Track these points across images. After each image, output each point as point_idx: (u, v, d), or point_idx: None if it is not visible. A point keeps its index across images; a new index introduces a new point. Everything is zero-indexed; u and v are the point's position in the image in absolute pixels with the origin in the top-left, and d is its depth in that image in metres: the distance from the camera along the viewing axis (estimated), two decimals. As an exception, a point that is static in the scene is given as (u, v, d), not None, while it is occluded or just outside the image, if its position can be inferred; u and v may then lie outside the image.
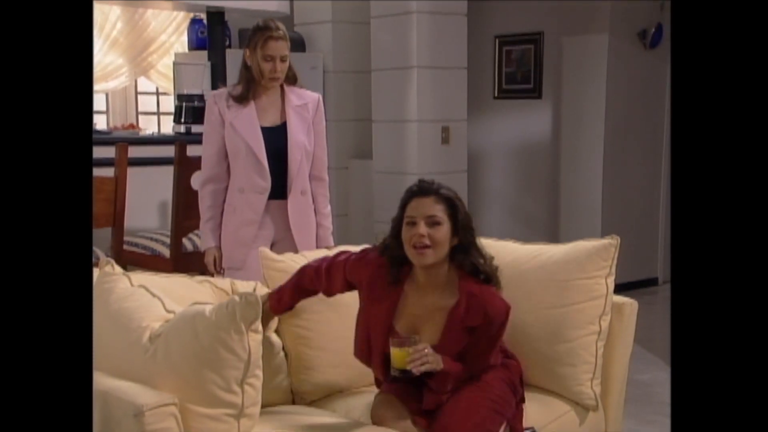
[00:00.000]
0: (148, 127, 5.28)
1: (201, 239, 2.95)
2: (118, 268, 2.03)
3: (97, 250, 3.18)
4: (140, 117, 5.23)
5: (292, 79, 2.92)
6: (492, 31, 5.79)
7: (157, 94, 5.31)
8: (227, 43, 4.68)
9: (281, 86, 2.90)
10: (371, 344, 2.12)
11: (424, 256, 2.02)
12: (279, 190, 2.85)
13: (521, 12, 5.67)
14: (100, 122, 5.11)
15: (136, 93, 5.21)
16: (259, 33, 2.82)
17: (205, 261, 2.92)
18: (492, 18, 5.77)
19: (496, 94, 5.88)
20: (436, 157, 4.66)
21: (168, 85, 5.06)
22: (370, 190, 4.98)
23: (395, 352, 1.97)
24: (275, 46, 2.78)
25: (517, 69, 5.77)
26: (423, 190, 2.08)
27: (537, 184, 5.76)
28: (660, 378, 3.82)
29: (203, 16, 4.47)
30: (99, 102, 5.09)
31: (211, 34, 4.29)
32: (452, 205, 2.06)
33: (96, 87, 4.88)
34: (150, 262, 3.36)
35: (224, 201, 2.89)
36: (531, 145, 5.75)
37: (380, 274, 2.13)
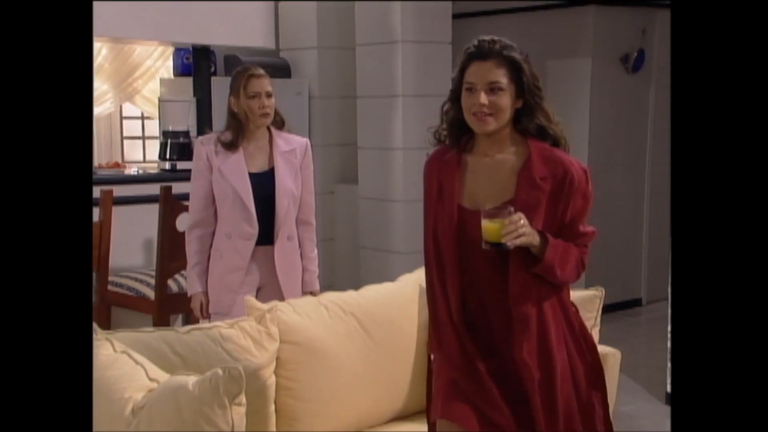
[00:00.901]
0: (133, 152, 5.23)
1: (188, 284, 2.92)
2: (100, 333, 2.00)
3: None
4: (125, 142, 5.18)
5: (279, 123, 2.91)
6: (476, 54, 5.77)
7: (143, 118, 5.26)
8: (212, 69, 4.65)
9: (269, 131, 2.88)
10: (440, 241, 1.91)
11: (485, 124, 1.87)
12: (266, 235, 2.83)
13: (505, 35, 5.61)
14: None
15: (121, 118, 5.16)
16: (240, 76, 2.83)
17: (192, 306, 2.89)
18: (476, 41, 5.76)
19: (480, 116, 5.87)
20: (422, 184, 4.64)
21: (153, 110, 5.01)
22: (356, 215, 4.95)
23: (487, 225, 1.81)
24: (258, 83, 2.79)
25: (502, 91, 5.76)
26: (482, 52, 1.88)
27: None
28: (644, 409, 3.77)
29: (189, 43, 4.43)
30: (84, 128, 5.03)
31: (196, 70, 4.25)
32: (516, 67, 1.87)
33: (81, 113, 4.82)
34: (135, 304, 3.32)
35: (211, 246, 2.87)
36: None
37: (439, 156, 1.97)
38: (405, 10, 4.52)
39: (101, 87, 4.89)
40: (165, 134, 4.05)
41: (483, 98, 1.84)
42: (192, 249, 2.85)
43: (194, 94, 4.22)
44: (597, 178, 6.16)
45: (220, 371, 1.69)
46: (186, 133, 4.01)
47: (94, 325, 2.00)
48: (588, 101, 5.35)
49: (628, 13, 5.43)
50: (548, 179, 1.86)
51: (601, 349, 2.44)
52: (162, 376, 1.86)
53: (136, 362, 1.90)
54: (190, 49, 4.44)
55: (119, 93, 4.95)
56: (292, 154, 2.87)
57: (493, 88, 1.85)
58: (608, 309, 4.77)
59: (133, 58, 4.91)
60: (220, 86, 4.00)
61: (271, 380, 2.31)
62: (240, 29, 4.16)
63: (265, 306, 2.40)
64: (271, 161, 2.84)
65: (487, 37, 1.90)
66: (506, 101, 1.86)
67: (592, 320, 2.39)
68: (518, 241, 1.80)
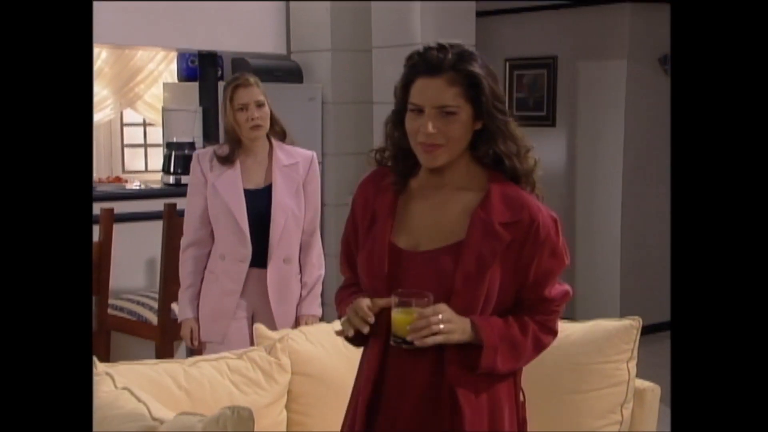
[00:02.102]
0: (135, 161, 5.28)
1: (179, 309, 2.88)
2: (100, 367, 2.01)
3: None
4: (126, 150, 5.22)
5: (280, 134, 2.87)
6: (502, 54, 5.78)
7: (144, 125, 5.30)
8: (219, 74, 4.68)
9: (270, 142, 2.85)
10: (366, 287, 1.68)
11: (433, 157, 1.61)
12: (260, 257, 2.79)
13: (534, 35, 5.67)
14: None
15: (122, 125, 5.20)
16: (227, 87, 2.80)
17: (182, 334, 2.86)
18: (502, 40, 5.76)
19: (506, 121, 5.87)
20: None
21: (155, 117, 5.05)
22: (372, 229, 4.96)
23: (395, 315, 1.59)
24: (245, 93, 2.75)
25: (529, 95, 5.76)
26: (431, 66, 1.58)
27: (551, 217, 5.73)
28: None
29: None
30: (82, 137, 5.09)
31: (202, 75, 4.28)
32: (473, 83, 1.58)
33: (79, 121, 4.87)
34: (136, 329, 3.34)
35: (206, 267, 2.85)
36: (543, 176, 5.70)
37: (376, 179, 1.73)
38: (425, 10, 4.53)
39: (101, 92, 4.93)
40: (169, 146, 4.08)
41: (430, 126, 1.58)
42: (186, 270, 2.83)
43: (200, 102, 4.24)
44: (632, 188, 6.14)
45: (228, 411, 1.70)
46: (191, 145, 4.03)
47: (94, 359, 2.01)
48: (623, 106, 5.33)
49: (667, 11, 5.40)
50: (510, 227, 1.60)
51: (639, 383, 2.43)
52: (166, 414, 1.86)
53: (139, 400, 1.90)
54: (196, 52, 4.48)
55: (120, 99, 5.00)
56: (293, 169, 2.82)
57: (443, 112, 1.58)
58: (645, 331, 4.75)
59: (134, 62, 4.96)
60: (227, 92, 4.02)
61: (282, 416, 2.32)
62: (249, 34, 4.18)
63: (275, 334, 2.41)
64: (269, 177, 2.80)
65: (435, 44, 1.60)
66: (460, 128, 1.60)
67: (628, 353, 2.37)
68: (430, 341, 1.55)
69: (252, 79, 2.79)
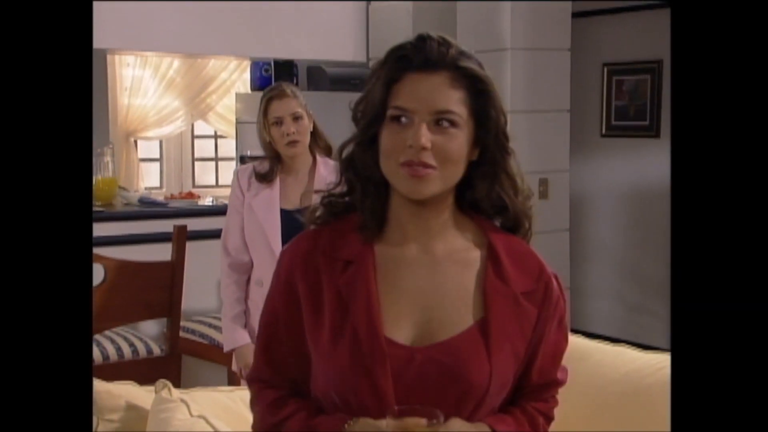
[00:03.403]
0: (205, 175, 5.42)
1: (228, 338, 2.82)
2: (175, 393, 2.06)
3: (151, 343, 3.26)
4: (197, 164, 5.37)
5: (325, 149, 2.84)
6: (600, 59, 5.71)
7: (216, 137, 5.45)
8: (295, 83, 4.77)
9: (314, 158, 2.83)
10: (351, 404, 1.30)
11: (423, 182, 1.25)
12: None
13: (636, 37, 5.57)
14: (153, 176, 5.27)
15: (193, 138, 5.36)
16: (261, 99, 2.78)
17: (242, 365, 2.77)
18: (600, 43, 5.69)
19: (603, 131, 5.77)
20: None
21: (227, 129, 5.18)
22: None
23: None
24: (280, 105, 2.72)
25: (630, 102, 5.65)
26: (427, 58, 1.26)
27: (652, 237, 5.61)
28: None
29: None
30: (153, 150, 5.26)
31: (277, 86, 4.37)
32: (481, 90, 1.28)
33: (150, 133, 5.05)
34: (208, 353, 3.41)
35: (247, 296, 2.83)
36: (646, 191, 5.60)
37: (324, 244, 1.37)
38: (516, 11, 4.52)
39: (172, 104, 5.10)
40: (242, 159, 4.17)
41: (425, 136, 1.23)
42: (231, 296, 2.80)
43: (275, 113, 4.33)
44: None
45: (309, 444, 1.72)
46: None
47: (168, 384, 2.07)
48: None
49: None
50: (531, 296, 1.31)
51: None
52: (242, 445, 1.90)
53: (215, 429, 1.94)
54: (270, 61, 4.58)
55: (191, 110, 5.15)
56: None
57: (440, 121, 1.26)
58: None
59: (206, 71, 5.11)
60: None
61: (363, 450, 2.33)
62: (326, 41, 4.26)
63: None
64: (309, 196, 2.73)
65: (435, 35, 1.28)
66: (461, 148, 1.27)
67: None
68: None
69: (289, 89, 2.76)
